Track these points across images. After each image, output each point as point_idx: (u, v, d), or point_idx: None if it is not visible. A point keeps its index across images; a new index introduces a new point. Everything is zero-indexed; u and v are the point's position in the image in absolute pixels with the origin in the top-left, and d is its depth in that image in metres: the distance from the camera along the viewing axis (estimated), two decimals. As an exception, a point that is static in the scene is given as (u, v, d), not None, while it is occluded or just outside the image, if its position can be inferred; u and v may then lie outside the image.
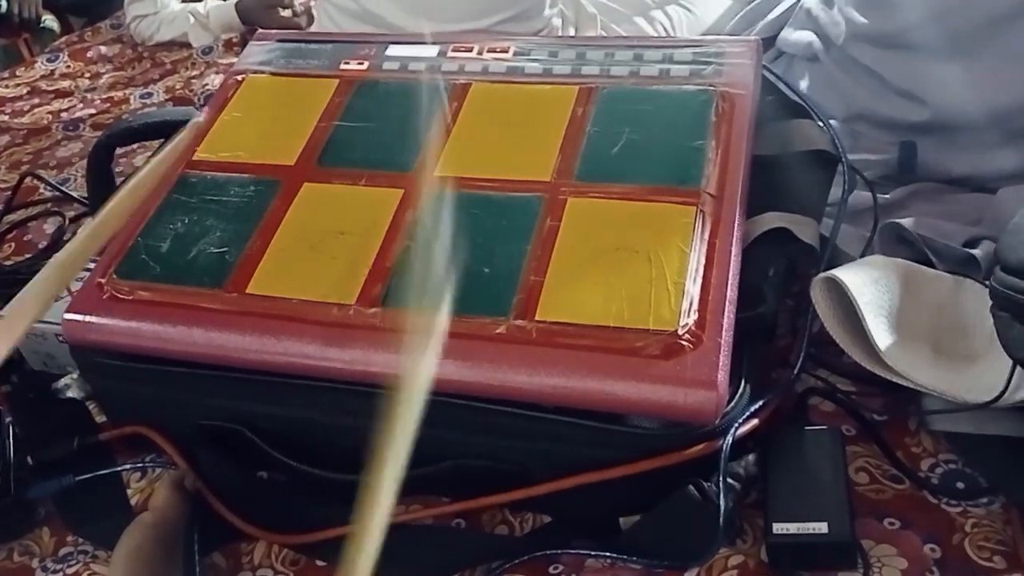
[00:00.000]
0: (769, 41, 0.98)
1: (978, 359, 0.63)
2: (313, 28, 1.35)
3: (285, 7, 1.48)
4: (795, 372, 0.63)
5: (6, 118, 1.33)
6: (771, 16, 1.04)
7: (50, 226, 1.04)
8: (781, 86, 0.78)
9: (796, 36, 0.95)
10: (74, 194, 1.07)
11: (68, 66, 1.48)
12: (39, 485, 0.68)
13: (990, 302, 0.59)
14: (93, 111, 1.32)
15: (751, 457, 0.60)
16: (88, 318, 0.67)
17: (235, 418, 0.65)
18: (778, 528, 0.56)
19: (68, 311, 0.68)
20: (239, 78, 0.83)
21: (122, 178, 0.86)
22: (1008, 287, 0.57)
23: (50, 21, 2.18)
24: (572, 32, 1.25)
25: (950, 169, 0.81)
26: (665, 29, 1.22)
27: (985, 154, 0.79)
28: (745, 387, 0.59)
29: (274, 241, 0.68)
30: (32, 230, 1.04)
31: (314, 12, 1.37)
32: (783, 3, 1.05)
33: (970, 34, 0.77)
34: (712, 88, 0.72)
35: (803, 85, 0.92)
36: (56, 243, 0.99)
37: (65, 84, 1.42)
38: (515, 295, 0.60)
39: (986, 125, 0.78)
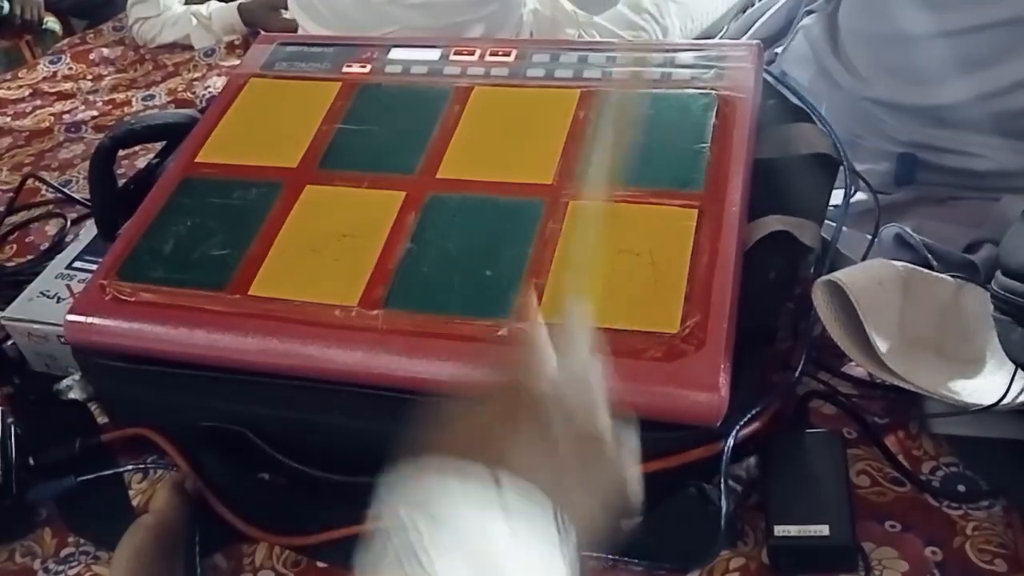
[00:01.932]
0: (766, 42, 0.97)
1: (979, 362, 0.63)
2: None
3: (287, 9, 1.48)
4: (796, 375, 0.63)
5: (8, 120, 1.33)
6: (765, 16, 1.04)
7: (52, 228, 1.04)
8: (782, 89, 0.78)
9: (796, 72, 0.94)
10: (76, 196, 1.07)
11: (70, 68, 1.48)
12: (41, 486, 0.68)
13: (991, 306, 0.59)
14: (95, 113, 1.32)
15: (752, 460, 0.60)
16: (90, 320, 0.67)
17: (237, 420, 0.65)
18: (779, 530, 0.56)
19: (70, 312, 0.68)
20: (241, 81, 0.83)
21: (124, 180, 0.86)
22: (1009, 291, 0.57)
23: (52, 23, 2.18)
24: (549, 30, 1.25)
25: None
26: (653, 17, 1.22)
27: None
28: (746, 390, 0.59)
29: (276, 243, 0.68)
30: (34, 232, 1.04)
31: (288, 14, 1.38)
32: (776, 3, 1.05)
33: (1017, 117, 0.75)
34: (713, 92, 0.72)
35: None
36: (58, 244, 0.99)
37: (67, 86, 1.42)
38: (517, 298, 0.61)
39: (1020, 174, 0.77)
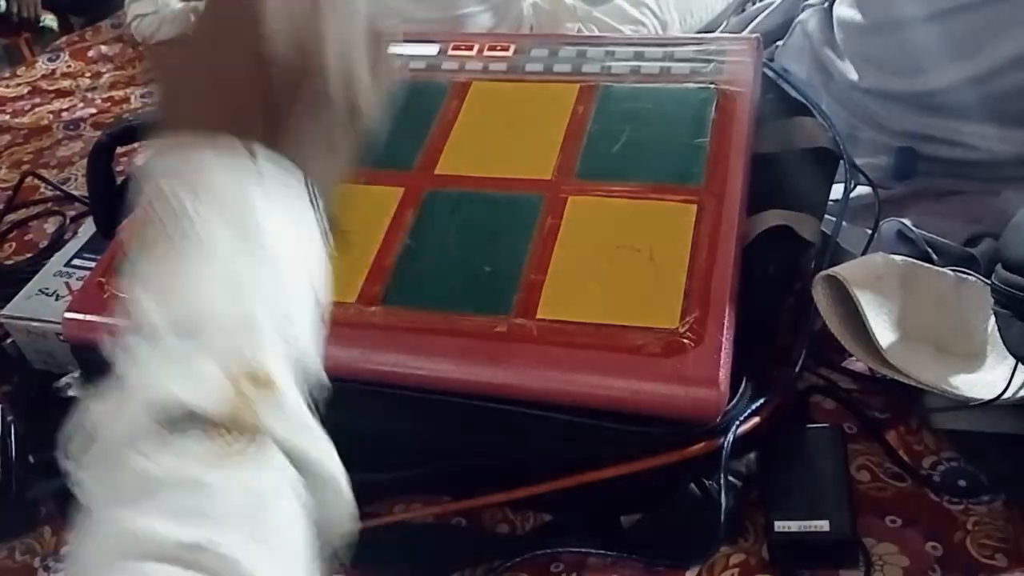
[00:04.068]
0: (765, 38, 0.97)
1: (980, 357, 0.63)
2: None
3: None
4: (796, 370, 0.63)
5: (7, 117, 1.33)
6: (764, 13, 1.04)
7: (51, 225, 1.04)
8: (782, 84, 0.78)
9: (795, 67, 0.94)
10: (75, 193, 1.07)
11: (69, 65, 1.47)
12: (41, 484, 0.68)
13: (991, 299, 0.59)
14: (94, 110, 1.32)
15: (752, 455, 0.60)
16: (89, 317, 0.67)
17: (236, 417, 0.65)
18: (779, 526, 0.56)
19: (69, 310, 0.68)
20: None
21: (122, 177, 0.86)
22: (1009, 284, 0.57)
23: (49, 20, 2.18)
24: (549, 24, 1.25)
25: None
26: (652, 11, 1.22)
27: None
28: (746, 385, 0.59)
29: (275, 240, 0.68)
30: (33, 229, 1.04)
31: None
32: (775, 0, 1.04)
33: (1009, 98, 0.75)
34: (712, 86, 0.72)
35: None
36: (57, 242, 0.98)
37: (66, 83, 1.42)
38: (516, 293, 0.60)
39: (1016, 162, 0.77)
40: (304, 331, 0.36)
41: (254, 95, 0.36)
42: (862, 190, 0.76)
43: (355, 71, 0.39)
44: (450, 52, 0.81)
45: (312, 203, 0.37)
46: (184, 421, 0.30)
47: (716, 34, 1.13)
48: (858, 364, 0.67)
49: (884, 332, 0.62)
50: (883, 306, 0.63)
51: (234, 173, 0.35)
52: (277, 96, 0.36)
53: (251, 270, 0.34)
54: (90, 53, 1.50)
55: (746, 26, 1.07)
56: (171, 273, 0.33)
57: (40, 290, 0.81)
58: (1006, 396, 0.59)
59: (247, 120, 0.36)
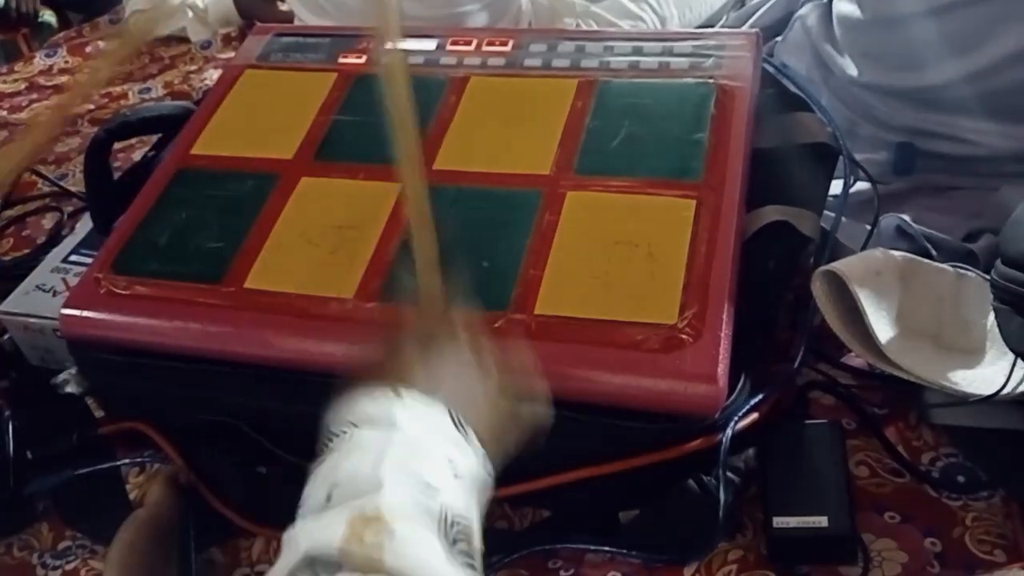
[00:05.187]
0: (765, 33, 0.96)
1: (979, 352, 0.63)
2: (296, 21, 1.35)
3: (283, 0, 1.47)
4: (795, 366, 0.63)
5: (4, 113, 1.33)
6: (764, 8, 1.04)
7: (48, 221, 1.04)
8: (781, 79, 0.78)
9: (794, 62, 0.93)
10: (72, 189, 1.07)
11: (67, 61, 1.47)
12: (38, 480, 0.68)
13: (991, 295, 0.59)
14: (91, 106, 1.31)
15: (751, 451, 0.60)
16: (85, 313, 0.67)
17: (233, 413, 0.65)
18: (778, 522, 0.56)
19: (65, 306, 0.67)
20: (237, 72, 0.83)
21: (119, 173, 0.86)
22: (1009, 279, 0.57)
23: (48, 16, 2.17)
24: (547, 19, 1.25)
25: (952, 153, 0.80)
26: (651, 6, 1.22)
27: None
28: (745, 381, 0.59)
29: (272, 235, 0.68)
30: (30, 225, 1.04)
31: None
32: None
33: (1007, 94, 0.75)
34: (711, 81, 0.71)
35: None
36: (54, 238, 0.98)
37: (64, 79, 1.42)
38: (514, 289, 0.60)
39: (1015, 158, 0.77)
40: (443, 487, 0.43)
41: (412, 363, 0.47)
42: (861, 186, 0.76)
43: (484, 350, 0.50)
44: (448, 47, 0.81)
45: (452, 417, 0.45)
46: (321, 567, 0.39)
47: (715, 29, 1.13)
48: (857, 360, 0.67)
49: (883, 328, 0.62)
50: (882, 302, 0.63)
51: (381, 404, 0.45)
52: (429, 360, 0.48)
53: (387, 448, 0.43)
54: (88, 49, 1.50)
55: (745, 21, 1.07)
56: (332, 467, 0.43)
57: (37, 286, 0.81)
58: (1005, 392, 0.59)
59: (404, 377, 0.46)
